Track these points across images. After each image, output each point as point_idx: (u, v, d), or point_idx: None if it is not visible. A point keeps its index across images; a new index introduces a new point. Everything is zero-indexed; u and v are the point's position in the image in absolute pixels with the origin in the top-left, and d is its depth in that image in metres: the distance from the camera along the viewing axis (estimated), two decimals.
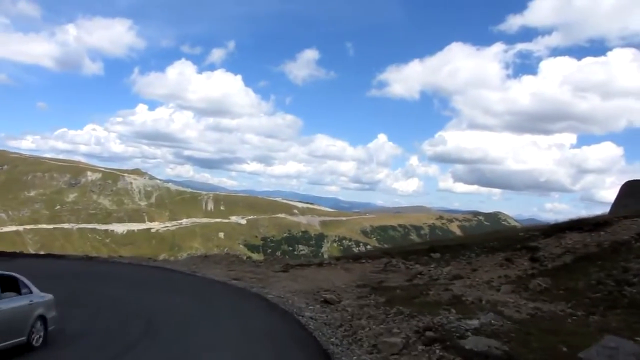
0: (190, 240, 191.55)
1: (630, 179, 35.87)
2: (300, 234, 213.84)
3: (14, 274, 9.65)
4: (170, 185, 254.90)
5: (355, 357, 9.55)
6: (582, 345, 8.38)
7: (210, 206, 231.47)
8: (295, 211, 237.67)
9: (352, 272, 22.25)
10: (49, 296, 10.43)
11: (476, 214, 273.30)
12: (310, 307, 14.50)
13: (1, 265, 20.03)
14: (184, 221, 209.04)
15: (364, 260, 25.06)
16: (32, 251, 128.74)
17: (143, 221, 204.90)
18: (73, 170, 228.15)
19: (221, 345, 10.42)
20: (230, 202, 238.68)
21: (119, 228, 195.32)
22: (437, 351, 8.81)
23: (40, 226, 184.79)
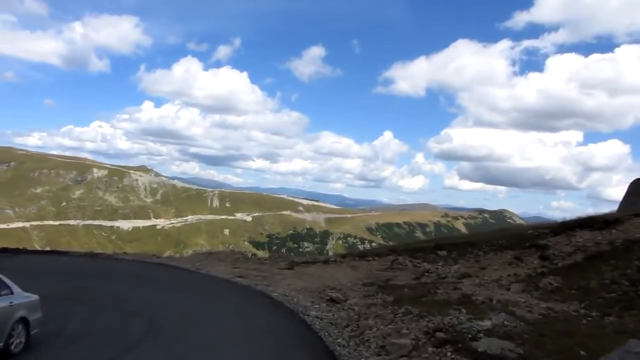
0: (195, 237, 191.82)
1: (638, 177, 35.42)
2: (305, 231, 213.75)
3: None
4: (176, 182, 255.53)
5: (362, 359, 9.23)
6: (600, 349, 7.99)
7: (216, 203, 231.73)
8: (301, 208, 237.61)
9: (358, 269, 21.91)
10: (33, 297, 9.74)
11: (482, 211, 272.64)
12: (315, 306, 14.17)
13: (4, 261, 19.93)
14: (190, 218, 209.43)
15: (370, 258, 24.70)
16: (38, 247, 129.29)
17: (149, 218, 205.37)
18: (79, 167, 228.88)
19: (224, 345, 10.12)
20: (236, 199, 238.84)
21: (125, 225, 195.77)
22: (449, 353, 8.47)
23: (46, 223, 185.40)
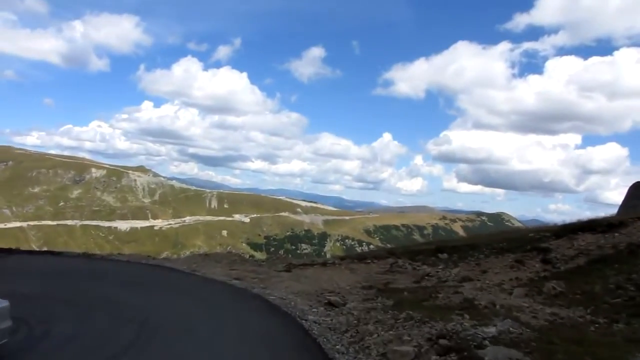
0: (193, 238, 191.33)
1: (639, 180, 35.15)
2: (303, 232, 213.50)
3: None
4: (174, 182, 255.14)
5: None
6: (612, 358, 7.63)
7: (214, 204, 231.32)
8: (299, 210, 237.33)
9: (356, 272, 21.51)
10: (2, 303, 8.83)
11: (479, 214, 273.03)
12: (313, 310, 13.76)
13: None
14: (188, 219, 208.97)
15: (369, 261, 24.30)
16: (35, 247, 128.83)
17: (146, 218, 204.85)
18: (77, 166, 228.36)
19: (218, 351, 9.73)
20: (234, 200, 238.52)
21: (123, 225, 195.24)
22: None
23: (44, 222, 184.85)
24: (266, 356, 9.67)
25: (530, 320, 10.95)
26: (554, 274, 18.04)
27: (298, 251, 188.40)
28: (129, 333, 10.53)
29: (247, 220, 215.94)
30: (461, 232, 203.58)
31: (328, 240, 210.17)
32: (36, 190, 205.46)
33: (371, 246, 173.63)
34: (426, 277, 19.53)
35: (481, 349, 8.31)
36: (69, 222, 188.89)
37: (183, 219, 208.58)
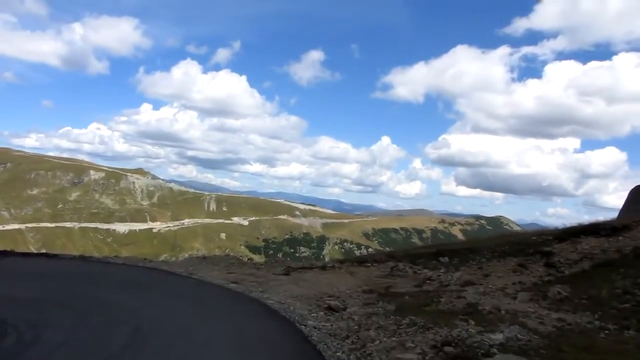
0: (192, 240, 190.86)
1: (639, 184, 34.86)
2: (302, 235, 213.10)
3: None
4: (172, 185, 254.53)
5: None
6: None
7: (213, 207, 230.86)
8: (298, 213, 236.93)
9: (357, 276, 21.14)
10: None
11: (478, 217, 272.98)
12: (313, 315, 13.38)
13: None
14: (186, 221, 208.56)
15: (369, 264, 23.93)
16: (33, 250, 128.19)
17: (145, 221, 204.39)
18: (76, 169, 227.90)
19: (214, 358, 9.37)
20: (233, 203, 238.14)
21: (121, 227, 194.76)
22: None
23: (42, 225, 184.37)
24: None
25: (537, 326, 10.59)
26: (558, 278, 17.70)
27: (297, 254, 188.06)
28: (122, 338, 10.15)
29: (245, 223, 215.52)
30: (460, 236, 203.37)
31: (327, 243, 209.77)
32: (34, 192, 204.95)
33: (370, 249, 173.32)
34: (427, 281, 19.17)
35: (489, 357, 7.95)
36: (68, 225, 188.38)
37: (182, 221, 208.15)
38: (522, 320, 11.00)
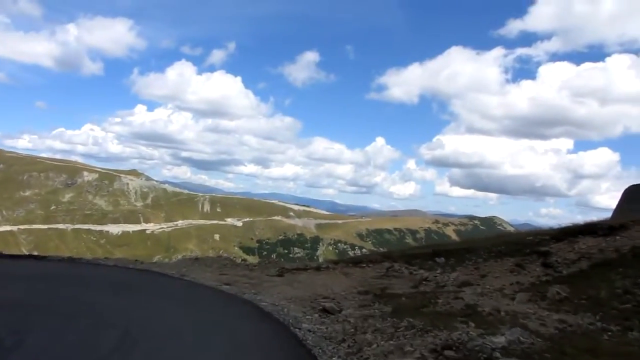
0: (185, 241, 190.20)
1: (633, 184, 34.83)
2: (295, 236, 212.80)
3: None
4: (166, 186, 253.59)
5: None
6: None
7: (207, 208, 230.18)
8: (292, 214, 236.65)
9: (352, 277, 20.82)
10: None
11: (472, 218, 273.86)
12: (307, 317, 13.03)
13: None
14: (180, 222, 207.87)
15: (364, 265, 23.62)
16: (25, 251, 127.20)
17: (139, 222, 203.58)
18: (69, 170, 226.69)
19: None
20: (227, 204, 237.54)
21: (114, 229, 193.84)
22: None
23: (34, 226, 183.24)
24: None
25: (539, 328, 10.29)
26: (556, 278, 17.47)
27: (290, 255, 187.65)
28: (111, 341, 9.76)
29: (239, 224, 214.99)
30: (454, 236, 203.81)
31: (321, 244, 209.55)
32: (27, 193, 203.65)
33: (364, 250, 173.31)
34: (424, 282, 18.88)
35: None
36: (61, 226, 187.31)
37: (175, 222, 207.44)
38: (523, 322, 10.70)
